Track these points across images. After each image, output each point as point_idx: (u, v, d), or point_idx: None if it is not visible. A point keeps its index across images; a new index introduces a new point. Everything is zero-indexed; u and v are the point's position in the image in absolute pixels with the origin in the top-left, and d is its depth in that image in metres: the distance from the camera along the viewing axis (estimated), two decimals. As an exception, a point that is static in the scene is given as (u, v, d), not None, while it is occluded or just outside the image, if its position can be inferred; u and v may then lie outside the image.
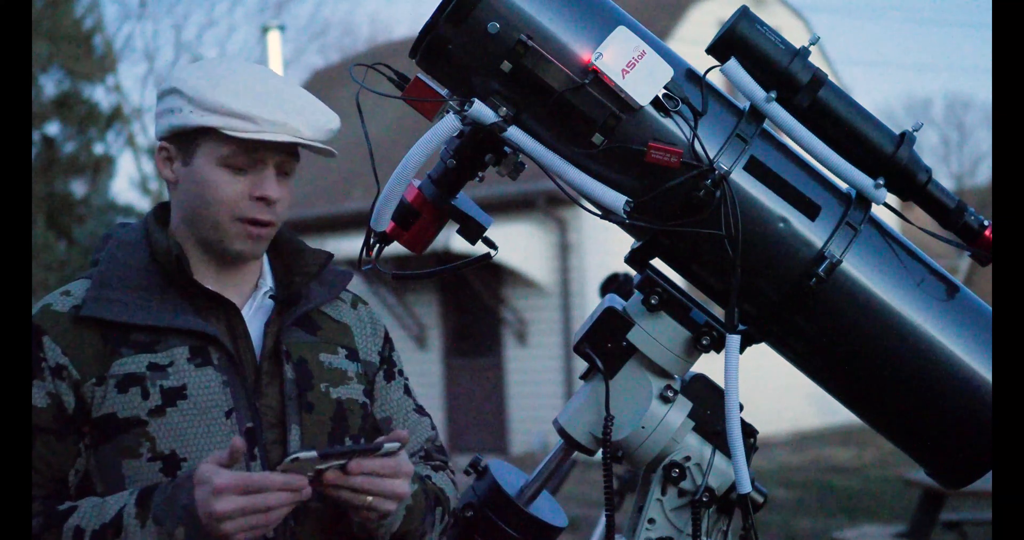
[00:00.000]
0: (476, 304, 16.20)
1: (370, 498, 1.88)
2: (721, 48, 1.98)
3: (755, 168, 1.94)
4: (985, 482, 2.16)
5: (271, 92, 1.98)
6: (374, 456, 1.87)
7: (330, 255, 2.18)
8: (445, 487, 2.18)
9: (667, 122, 1.90)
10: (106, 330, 1.97)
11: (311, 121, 2.00)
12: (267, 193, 1.99)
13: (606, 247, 13.75)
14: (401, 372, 2.24)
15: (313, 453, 1.80)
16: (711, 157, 1.90)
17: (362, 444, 1.91)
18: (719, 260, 1.93)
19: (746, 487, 1.96)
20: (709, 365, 2.01)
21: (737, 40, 1.96)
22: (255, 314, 2.07)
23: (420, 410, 2.24)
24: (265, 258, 2.14)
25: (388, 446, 1.88)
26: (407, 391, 2.24)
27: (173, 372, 1.96)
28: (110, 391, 1.94)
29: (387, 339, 2.24)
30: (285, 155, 2.02)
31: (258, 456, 1.98)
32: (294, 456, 1.79)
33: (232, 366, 2.00)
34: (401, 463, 1.90)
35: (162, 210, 2.12)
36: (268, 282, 2.11)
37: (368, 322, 2.21)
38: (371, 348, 2.19)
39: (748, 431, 2.02)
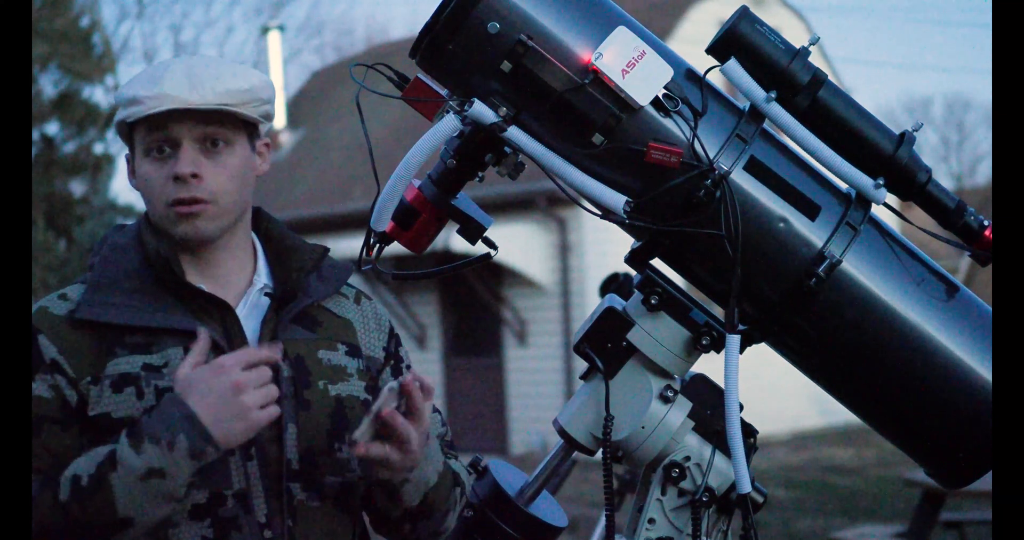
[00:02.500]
0: (476, 304, 16.20)
1: (387, 447, 1.91)
2: (721, 48, 1.98)
3: (755, 168, 1.94)
4: (985, 482, 2.16)
5: (162, 70, 2.00)
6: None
7: (326, 249, 2.17)
8: (461, 472, 2.19)
9: (667, 122, 1.90)
10: (101, 332, 1.98)
11: (200, 84, 1.98)
12: (175, 170, 1.98)
13: (606, 247, 13.74)
14: (409, 367, 2.24)
15: (397, 384, 1.88)
16: (711, 157, 1.90)
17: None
18: (719, 260, 1.93)
19: (746, 487, 1.96)
20: (709, 365, 2.01)
21: (737, 40, 1.96)
22: (250, 312, 2.07)
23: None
24: (261, 255, 2.14)
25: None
26: None
27: (168, 373, 1.95)
28: (105, 391, 1.94)
29: (392, 334, 2.23)
30: (201, 127, 2.00)
31: (254, 455, 1.98)
32: (391, 385, 1.88)
33: None
34: (424, 411, 1.95)
35: None
36: (263, 279, 2.11)
37: (372, 317, 2.20)
38: (375, 343, 2.18)
39: (748, 431, 2.02)
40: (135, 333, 1.98)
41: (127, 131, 2.05)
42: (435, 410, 2.24)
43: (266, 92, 2.06)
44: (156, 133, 1.99)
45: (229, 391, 1.81)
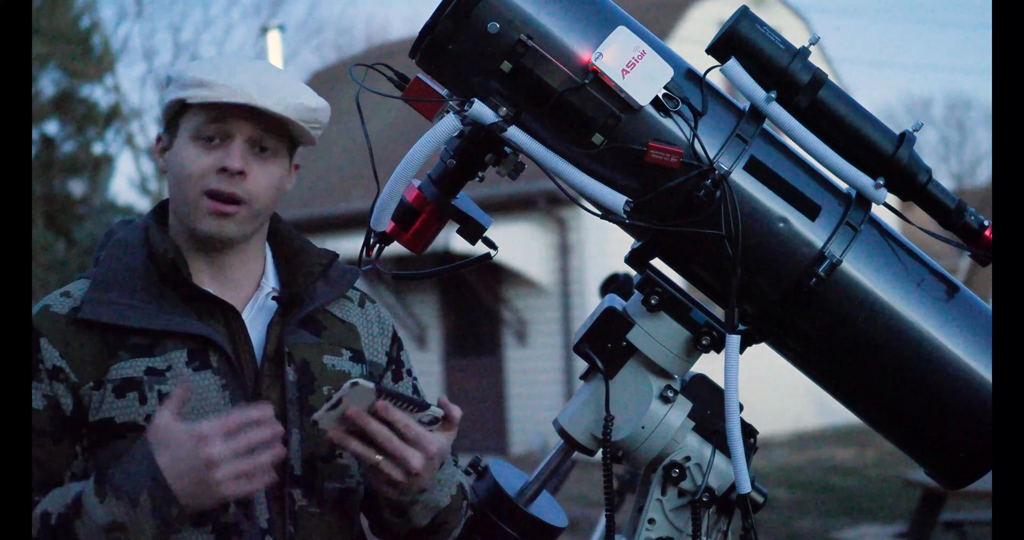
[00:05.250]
0: (476, 304, 16.20)
1: (378, 457, 1.85)
2: (721, 48, 1.98)
3: (755, 168, 1.94)
4: (985, 482, 2.15)
5: (236, 63, 1.99)
6: (414, 414, 1.85)
7: (335, 255, 2.15)
8: (463, 481, 2.16)
9: (667, 122, 1.90)
10: (104, 333, 1.96)
11: (271, 90, 1.96)
12: (229, 163, 1.96)
13: (606, 247, 13.74)
14: (410, 372, 2.22)
15: (371, 384, 1.80)
16: (711, 157, 1.91)
17: (414, 397, 1.90)
18: (719, 260, 1.93)
19: (746, 487, 1.96)
20: (709, 365, 2.01)
21: (737, 40, 1.96)
22: (256, 315, 2.05)
23: None
24: (269, 258, 2.13)
25: (433, 409, 1.87)
26: (415, 391, 2.22)
27: (171, 377, 1.94)
28: (108, 396, 1.93)
29: (395, 338, 2.21)
30: (258, 129, 1.98)
31: None
32: (355, 380, 1.79)
33: (231, 369, 1.97)
34: (424, 435, 1.87)
35: (163, 209, 2.11)
36: (271, 282, 2.09)
37: (376, 321, 2.18)
38: (378, 348, 2.17)
39: (748, 431, 2.02)
40: (139, 334, 1.96)
41: (176, 110, 2.01)
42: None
43: (325, 116, 2.06)
44: (214, 122, 1.97)
45: (202, 465, 1.76)
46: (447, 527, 2.06)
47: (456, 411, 1.91)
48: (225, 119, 1.97)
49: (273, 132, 2.00)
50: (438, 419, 1.90)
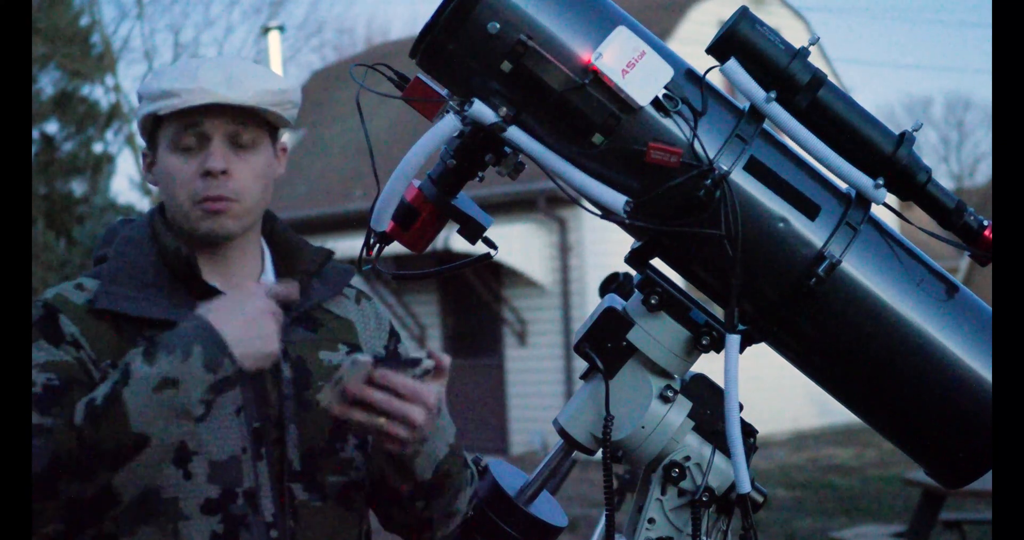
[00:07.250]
0: (476, 304, 16.21)
1: (382, 420, 1.85)
2: (721, 48, 1.98)
3: (755, 168, 1.95)
4: (985, 482, 2.16)
5: (197, 65, 2.00)
6: (407, 372, 1.85)
7: (331, 253, 2.17)
8: (457, 432, 2.13)
9: (667, 122, 1.90)
10: (119, 324, 1.97)
11: (235, 83, 1.97)
12: (208, 165, 1.97)
13: (606, 247, 13.73)
14: None
15: (369, 358, 1.82)
16: (711, 157, 1.91)
17: (401, 359, 1.90)
18: (719, 260, 1.93)
19: (746, 487, 1.96)
20: (709, 365, 2.01)
21: (737, 40, 1.96)
22: None
23: None
24: (267, 256, 2.14)
25: (425, 363, 1.86)
26: None
27: None
28: None
29: (392, 333, 2.22)
30: (233, 124, 2.00)
31: (264, 455, 1.98)
32: (353, 358, 1.82)
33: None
34: (421, 389, 1.86)
35: (164, 208, 2.12)
36: (271, 279, 2.11)
37: (372, 317, 2.20)
38: (376, 343, 2.18)
39: (748, 431, 2.02)
40: (153, 327, 1.97)
41: (151, 125, 2.03)
42: None
43: (296, 96, 2.07)
44: (188, 128, 1.99)
45: (259, 314, 1.82)
46: (450, 481, 2.03)
47: (445, 359, 1.90)
48: (199, 123, 1.98)
49: (249, 123, 2.01)
50: (430, 371, 1.88)
